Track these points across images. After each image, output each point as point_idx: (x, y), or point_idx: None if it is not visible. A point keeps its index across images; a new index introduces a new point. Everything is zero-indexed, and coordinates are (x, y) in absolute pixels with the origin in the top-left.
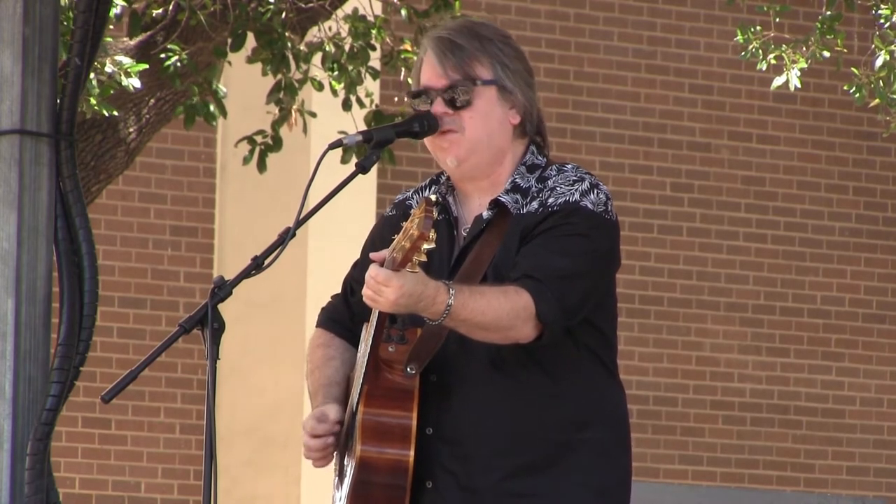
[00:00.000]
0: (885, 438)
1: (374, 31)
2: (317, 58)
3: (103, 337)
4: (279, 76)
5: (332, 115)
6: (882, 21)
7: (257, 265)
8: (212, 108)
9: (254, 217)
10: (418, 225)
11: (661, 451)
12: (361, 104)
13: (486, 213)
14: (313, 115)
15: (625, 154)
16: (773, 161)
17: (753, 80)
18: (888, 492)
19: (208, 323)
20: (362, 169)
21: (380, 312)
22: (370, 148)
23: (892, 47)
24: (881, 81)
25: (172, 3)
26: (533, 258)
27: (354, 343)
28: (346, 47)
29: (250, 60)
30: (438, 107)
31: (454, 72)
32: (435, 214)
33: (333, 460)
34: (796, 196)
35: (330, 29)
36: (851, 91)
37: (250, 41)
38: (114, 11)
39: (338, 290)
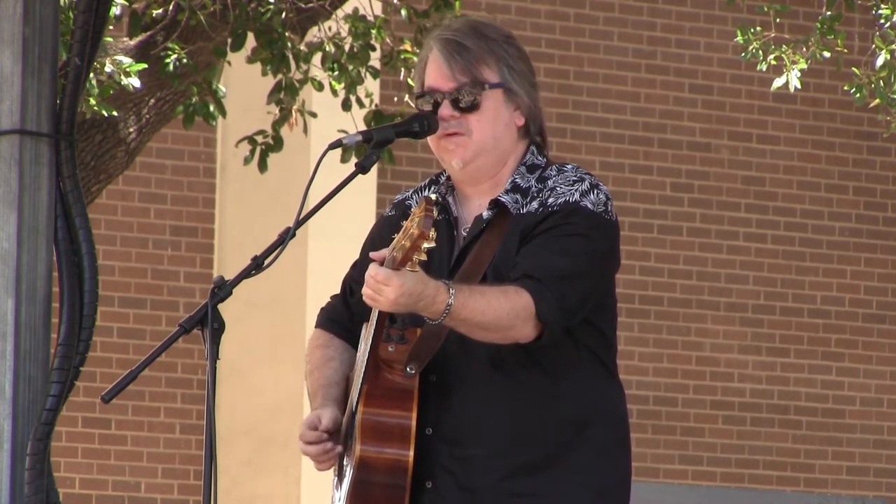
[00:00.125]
0: (885, 438)
1: (374, 31)
2: (317, 58)
3: (103, 337)
4: (279, 76)
5: (332, 115)
6: (882, 21)
7: (257, 265)
8: (211, 107)
9: (254, 217)
10: (419, 224)
11: (661, 451)
12: (361, 104)
13: (486, 214)
14: (314, 115)
15: (625, 154)
16: (773, 161)
17: (753, 80)
18: (888, 492)
19: (208, 323)
20: (362, 169)
21: (380, 312)
22: (370, 148)
23: (893, 47)
24: (881, 81)
25: (172, 3)
26: (533, 258)
27: (354, 343)
28: (346, 47)
29: (250, 60)
30: (445, 109)
31: (462, 74)
32: (435, 214)
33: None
34: (796, 196)
35: (330, 29)
36: (852, 91)
37: (250, 41)
38: (114, 11)
39: (338, 290)
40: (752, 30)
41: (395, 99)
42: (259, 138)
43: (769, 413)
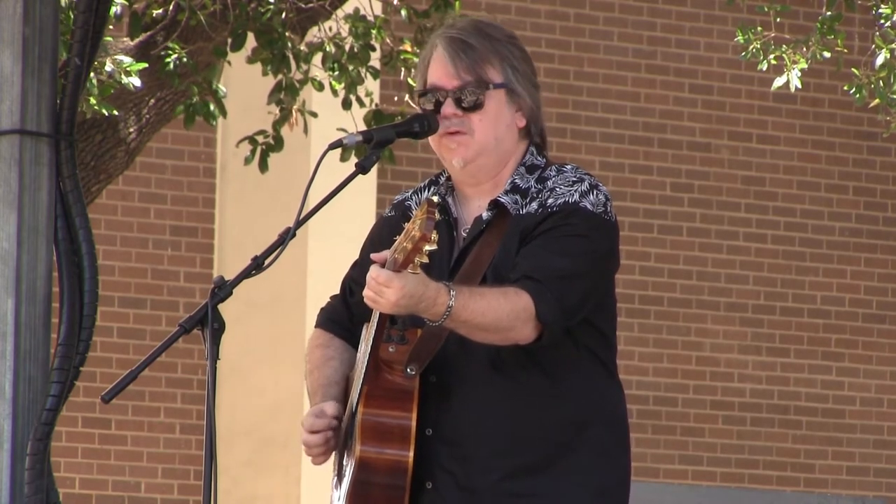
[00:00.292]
0: (885, 438)
1: (374, 32)
2: (317, 58)
3: (103, 337)
4: (279, 76)
5: (332, 115)
6: (882, 21)
7: (257, 265)
8: (212, 107)
9: (254, 217)
10: (420, 226)
11: (661, 451)
12: (361, 104)
13: (485, 214)
14: (314, 114)
15: (625, 154)
16: (773, 161)
17: (753, 80)
18: (888, 492)
19: (208, 323)
20: (362, 169)
21: (380, 313)
22: (370, 148)
23: (893, 47)
24: (881, 81)
25: (172, 3)
26: (532, 259)
27: (353, 343)
28: (347, 47)
29: (250, 60)
30: (448, 107)
31: (467, 73)
32: (436, 215)
33: (333, 458)
34: (796, 196)
35: (330, 29)
36: (851, 91)
37: (250, 41)
38: (114, 11)
39: (337, 290)
40: (753, 30)
41: (396, 99)
42: (259, 138)
43: (769, 413)
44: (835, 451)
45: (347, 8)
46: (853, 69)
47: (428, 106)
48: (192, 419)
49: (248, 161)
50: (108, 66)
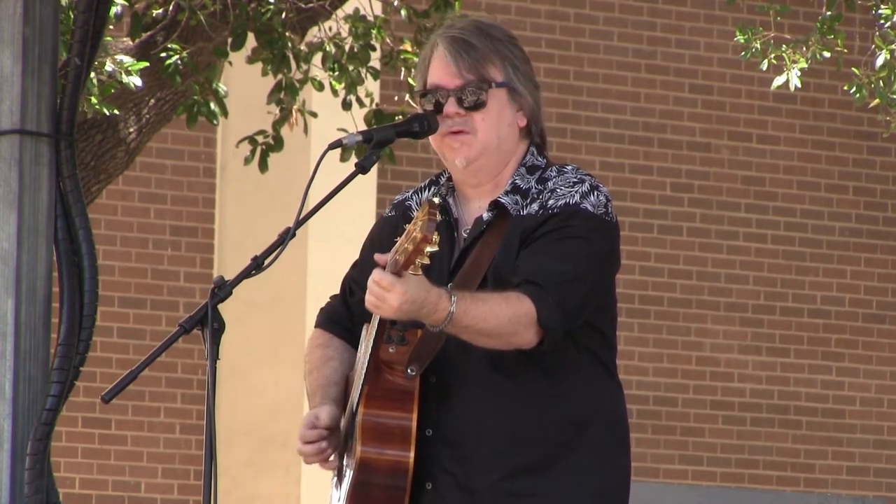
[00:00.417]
0: (885, 438)
1: (374, 32)
2: (317, 58)
3: (103, 337)
4: (279, 76)
5: (332, 115)
6: (882, 21)
7: (257, 265)
8: (212, 107)
9: (254, 217)
10: (421, 227)
11: (661, 451)
12: (361, 104)
13: (486, 215)
14: (314, 114)
15: (625, 154)
16: (773, 161)
17: (753, 80)
18: (888, 492)
19: (208, 323)
20: (362, 169)
21: None
22: (370, 148)
23: (893, 47)
24: (881, 81)
25: (172, 3)
26: (533, 262)
27: (353, 343)
28: (347, 47)
29: (250, 60)
30: (451, 107)
31: (469, 72)
32: (438, 217)
33: (332, 458)
34: (796, 196)
35: (330, 29)
36: (851, 91)
37: (250, 41)
38: (114, 11)
39: (337, 290)
40: (753, 29)
41: (396, 99)
42: (259, 138)
43: (769, 413)
44: (835, 451)
45: (347, 8)
46: (853, 69)
47: (428, 106)
48: (192, 419)
49: (248, 161)
50: (109, 66)
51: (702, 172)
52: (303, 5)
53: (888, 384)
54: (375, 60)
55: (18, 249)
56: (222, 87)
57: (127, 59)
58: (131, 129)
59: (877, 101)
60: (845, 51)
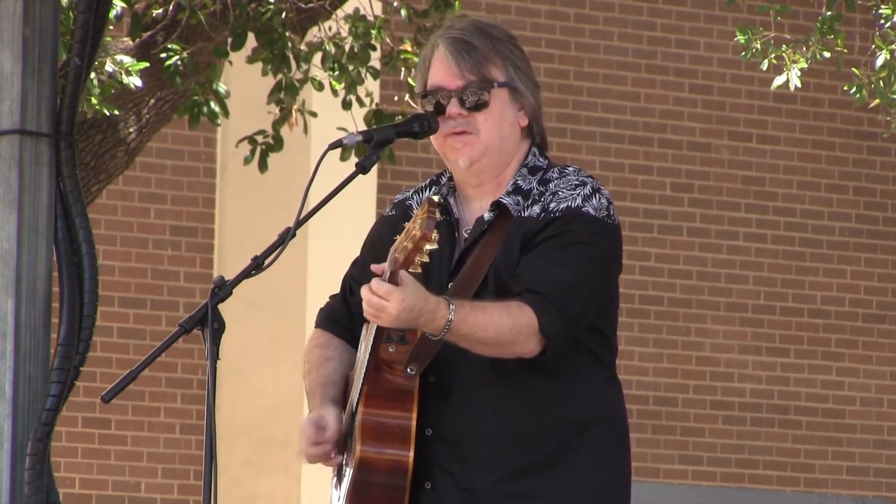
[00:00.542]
0: (885, 438)
1: (374, 32)
2: (317, 58)
3: (103, 337)
4: (279, 76)
5: (332, 115)
6: (882, 21)
7: (257, 265)
8: (213, 106)
9: (254, 217)
10: (421, 225)
11: (661, 451)
12: (361, 104)
13: (487, 215)
14: (314, 114)
15: (625, 154)
16: (773, 161)
17: (753, 80)
18: (888, 492)
19: (208, 323)
20: (362, 169)
21: None
22: (370, 148)
23: (893, 47)
24: (881, 81)
25: (172, 3)
26: (535, 269)
27: (353, 343)
28: (347, 47)
29: (250, 60)
30: (453, 107)
31: (470, 73)
32: (437, 215)
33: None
34: (796, 196)
35: (330, 29)
36: (852, 91)
37: (250, 41)
38: (114, 12)
39: (338, 290)
40: (753, 29)
41: (396, 99)
42: (259, 138)
43: (769, 413)
44: (835, 451)
45: (347, 8)
46: (853, 69)
47: (429, 107)
48: (192, 419)
49: (247, 161)
50: (109, 66)
51: (702, 172)
52: (303, 5)
53: (888, 384)
54: (375, 60)
55: (18, 249)
56: (223, 87)
57: (127, 59)
58: (131, 129)
59: (877, 101)
60: (845, 51)
